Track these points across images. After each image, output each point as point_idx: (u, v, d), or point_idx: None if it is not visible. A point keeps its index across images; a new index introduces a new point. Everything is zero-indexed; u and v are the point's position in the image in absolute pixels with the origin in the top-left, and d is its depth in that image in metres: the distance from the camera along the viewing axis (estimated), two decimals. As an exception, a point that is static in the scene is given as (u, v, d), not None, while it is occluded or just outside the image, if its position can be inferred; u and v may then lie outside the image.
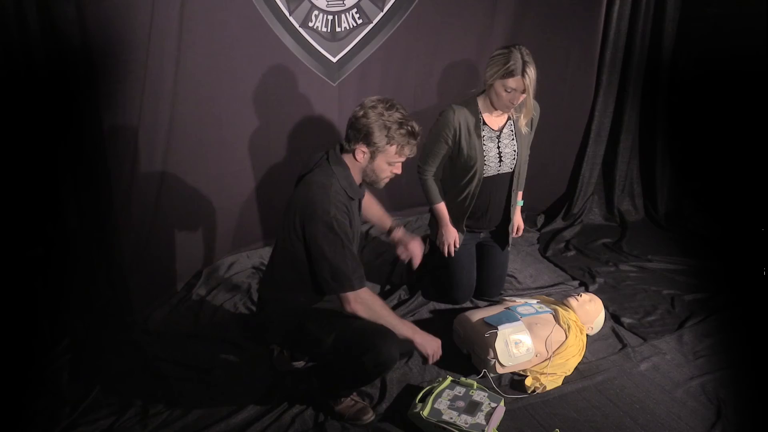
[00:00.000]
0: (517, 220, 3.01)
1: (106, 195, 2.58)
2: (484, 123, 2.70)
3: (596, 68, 3.72)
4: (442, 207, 2.83)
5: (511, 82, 2.49)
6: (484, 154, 2.71)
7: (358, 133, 2.05)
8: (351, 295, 2.04)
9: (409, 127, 2.04)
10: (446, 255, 2.85)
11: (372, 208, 2.48)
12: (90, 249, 2.68)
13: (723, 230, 3.71)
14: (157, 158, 2.74)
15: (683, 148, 3.98)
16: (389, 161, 2.09)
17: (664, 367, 2.55)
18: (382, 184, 2.18)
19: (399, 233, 2.45)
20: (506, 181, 2.82)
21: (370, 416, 2.25)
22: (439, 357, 2.15)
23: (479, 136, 2.68)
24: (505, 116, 2.74)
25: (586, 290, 3.11)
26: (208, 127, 2.97)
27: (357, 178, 2.14)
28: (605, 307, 2.84)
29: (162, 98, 2.67)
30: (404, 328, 2.11)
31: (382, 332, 2.05)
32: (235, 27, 2.89)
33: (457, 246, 2.85)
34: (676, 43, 3.75)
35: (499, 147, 2.73)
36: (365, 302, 2.06)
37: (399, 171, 2.15)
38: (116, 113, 2.50)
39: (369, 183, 2.17)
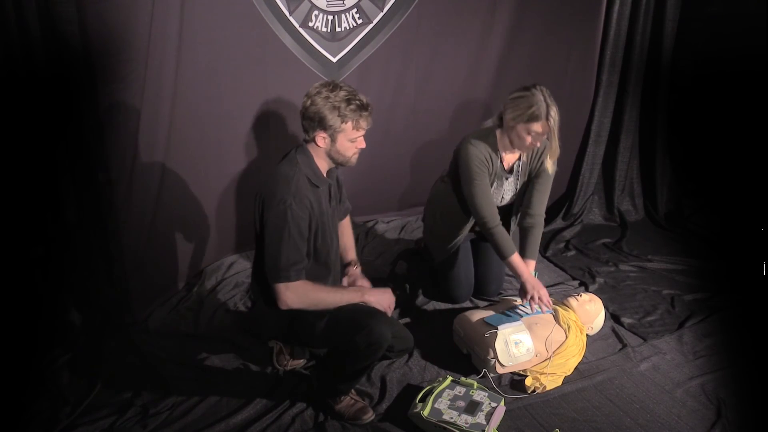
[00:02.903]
0: (533, 282, 2.59)
1: (106, 194, 2.58)
2: (501, 161, 2.62)
3: (596, 68, 3.72)
4: (516, 259, 2.57)
5: (536, 126, 2.42)
6: (492, 190, 2.67)
7: (312, 121, 2.07)
8: (282, 286, 2.03)
9: (357, 101, 2.05)
10: (539, 312, 2.55)
11: (344, 234, 2.45)
12: (90, 249, 2.68)
13: (723, 230, 3.71)
14: (157, 158, 2.74)
15: (683, 148, 3.99)
16: (350, 138, 2.09)
17: (664, 367, 2.55)
18: (353, 161, 2.17)
19: (355, 271, 2.39)
20: (507, 210, 2.80)
21: (370, 416, 2.25)
22: (392, 308, 2.16)
23: (496, 176, 2.63)
24: (517, 153, 2.67)
25: (586, 290, 3.11)
26: (208, 127, 2.97)
27: (323, 164, 2.16)
28: (605, 307, 2.84)
29: (162, 98, 2.67)
30: (352, 295, 2.12)
31: (373, 313, 2.07)
32: (235, 27, 2.90)
33: (547, 299, 2.57)
34: (676, 43, 3.75)
35: (505, 185, 2.70)
36: (297, 290, 2.03)
37: (363, 145, 2.15)
38: (116, 113, 2.50)
39: (340, 164, 2.17)
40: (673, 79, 3.83)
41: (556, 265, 3.39)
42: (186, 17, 2.68)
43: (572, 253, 3.54)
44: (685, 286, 3.17)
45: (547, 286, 3.13)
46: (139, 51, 2.49)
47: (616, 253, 3.54)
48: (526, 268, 2.61)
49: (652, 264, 3.39)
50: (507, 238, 2.60)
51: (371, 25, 3.28)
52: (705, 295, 3.07)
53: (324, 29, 3.18)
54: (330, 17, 3.18)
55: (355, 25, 3.25)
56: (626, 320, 2.86)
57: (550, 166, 2.65)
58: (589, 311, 2.71)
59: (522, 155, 2.67)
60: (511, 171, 2.68)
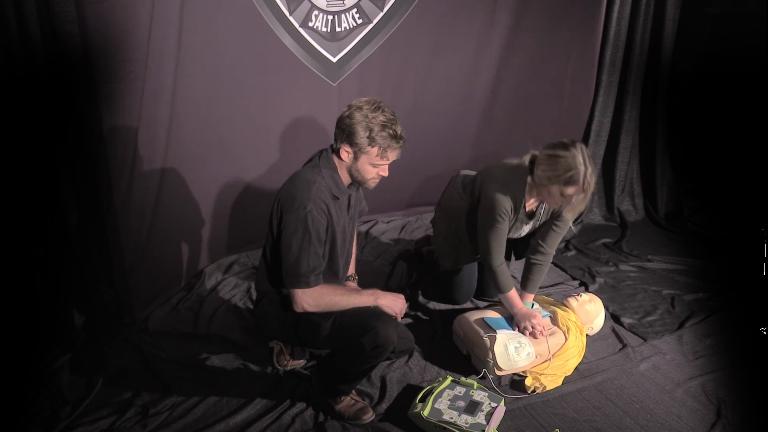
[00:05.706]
0: (525, 313, 2.59)
1: (107, 195, 2.58)
2: (524, 206, 2.56)
3: (596, 68, 3.72)
4: (513, 294, 2.59)
5: (571, 190, 2.34)
6: (510, 233, 2.64)
7: (343, 132, 2.06)
8: (300, 291, 2.05)
9: (392, 131, 2.04)
10: (537, 337, 2.52)
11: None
12: (90, 249, 2.68)
13: (723, 230, 3.72)
14: (157, 158, 2.74)
15: (683, 148, 3.99)
16: (372, 163, 2.09)
17: (664, 367, 2.55)
18: (371, 185, 2.17)
19: (352, 285, 2.44)
20: (522, 240, 2.80)
21: (370, 416, 2.24)
22: (404, 312, 2.19)
23: (517, 220, 2.61)
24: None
25: (586, 290, 3.11)
26: (208, 127, 2.97)
27: (345, 177, 2.15)
28: (605, 307, 2.84)
29: (162, 98, 2.67)
30: (366, 298, 2.12)
31: (379, 314, 2.07)
32: (234, 27, 2.90)
33: (543, 327, 2.55)
34: (676, 43, 3.76)
35: (524, 226, 2.67)
36: (313, 294, 2.06)
37: (385, 174, 2.14)
38: (116, 113, 2.50)
39: (357, 182, 2.17)
40: (673, 79, 3.83)
41: (556, 265, 3.38)
42: (186, 17, 2.68)
43: (572, 253, 3.54)
44: (685, 286, 3.17)
45: (547, 286, 3.15)
46: (139, 51, 2.49)
47: (616, 253, 3.54)
48: (520, 301, 2.61)
49: (652, 264, 3.40)
50: (507, 275, 2.60)
51: (371, 25, 3.29)
52: (705, 295, 3.07)
53: (324, 29, 3.18)
54: (330, 17, 3.18)
55: (355, 25, 3.25)
56: (626, 320, 2.86)
57: (570, 215, 2.51)
58: (589, 311, 2.71)
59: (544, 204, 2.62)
60: (532, 216, 2.64)
